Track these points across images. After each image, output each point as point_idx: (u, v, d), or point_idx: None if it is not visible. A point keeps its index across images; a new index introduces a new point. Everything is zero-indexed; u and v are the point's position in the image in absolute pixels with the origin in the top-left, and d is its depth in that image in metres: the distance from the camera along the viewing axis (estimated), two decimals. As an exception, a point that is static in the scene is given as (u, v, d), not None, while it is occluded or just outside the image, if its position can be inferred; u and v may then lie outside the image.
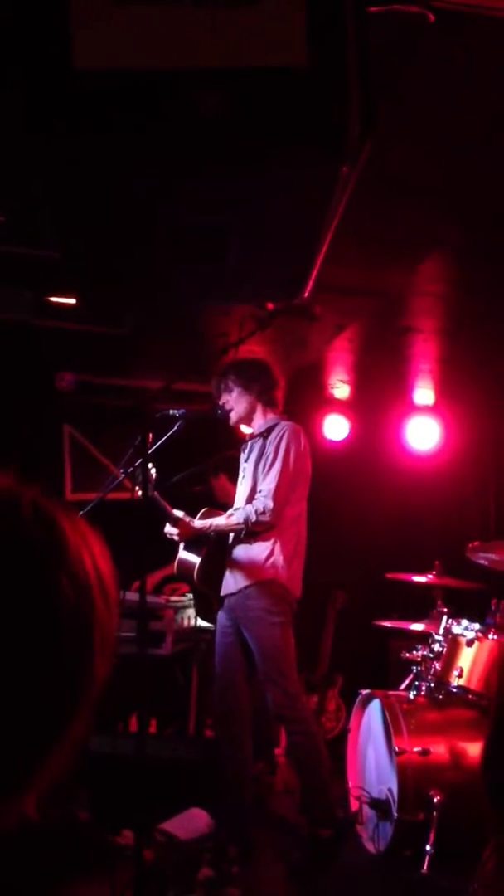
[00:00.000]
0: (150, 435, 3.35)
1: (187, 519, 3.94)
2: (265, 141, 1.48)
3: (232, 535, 3.97)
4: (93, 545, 0.73)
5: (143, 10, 1.47)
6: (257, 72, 1.46)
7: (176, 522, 3.91)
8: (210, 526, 3.94)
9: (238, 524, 3.82)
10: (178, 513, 3.93)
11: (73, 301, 3.48)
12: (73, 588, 0.69)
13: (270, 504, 3.73)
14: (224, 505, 4.35)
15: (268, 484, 3.78)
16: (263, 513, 3.74)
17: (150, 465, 3.75)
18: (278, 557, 3.80)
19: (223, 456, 4.91)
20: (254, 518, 3.75)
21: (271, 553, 3.81)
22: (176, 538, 3.94)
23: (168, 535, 3.95)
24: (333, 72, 1.47)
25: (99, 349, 4.85)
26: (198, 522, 3.94)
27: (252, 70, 1.46)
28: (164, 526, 4.00)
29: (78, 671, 0.70)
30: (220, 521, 3.94)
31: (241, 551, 3.88)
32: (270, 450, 3.85)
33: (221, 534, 4.02)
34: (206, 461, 4.99)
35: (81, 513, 3.62)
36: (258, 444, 3.95)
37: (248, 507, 3.81)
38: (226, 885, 3.16)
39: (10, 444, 5.06)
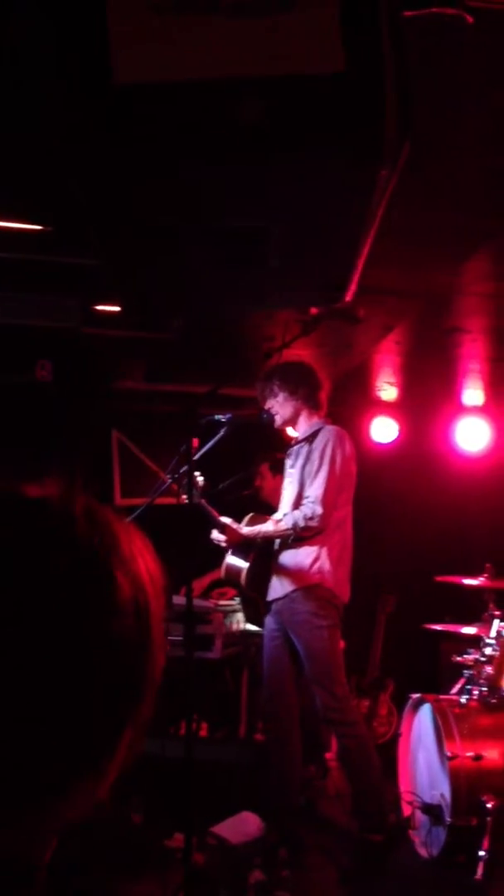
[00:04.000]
0: (196, 440, 3.38)
1: (235, 525, 3.95)
2: (303, 147, 1.49)
3: (278, 540, 3.98)
4: (143, 547, 0.78)
5: (180, 22, 1.48)
6: (294, 79, 1.47)
7: (223, 529, 3.93)
8: (258, 533, 3.96)
9: (287, 530, 3.83)
10: (226, 519, 3.95)
11: (117, 308, 3.54)
12: (130, 582, 0.74)
13: (319, 510, 3.73)
14: (269, 506, 4.36)
15: (315, 490, 3.78)
16: (312, 518, 3.74)
17: (196, 472, 3.77)
18: (324, 562, 3.80)
19: (272, 457, 4.92)
20: (302, 523, 3.75)
21: (317, 558, 3.80)
22: (223, 545, 3.97)
23: (215, 542, 3.97)
24: (370, 77, 1.47)
25: (147, 355, 4.90)
26: (245, 529, 3.96)
27: (289, 77, 1.47)
28: (211, 530, 4.03)
29: (142, 657, 0.75)
30: (267, 527, 3.95)
31: (288, 556, 3.88)
32: (316, 455, 3.85)
33: (269, 540, 4.03)
34: (253, 465, 5.00)
35: (130, 518, 3.68)
36: (304, 449, 3.95)
37: (297, 512, 3.81)
38: (276, 889, 3.16)
39: (60, 450, 5.14)
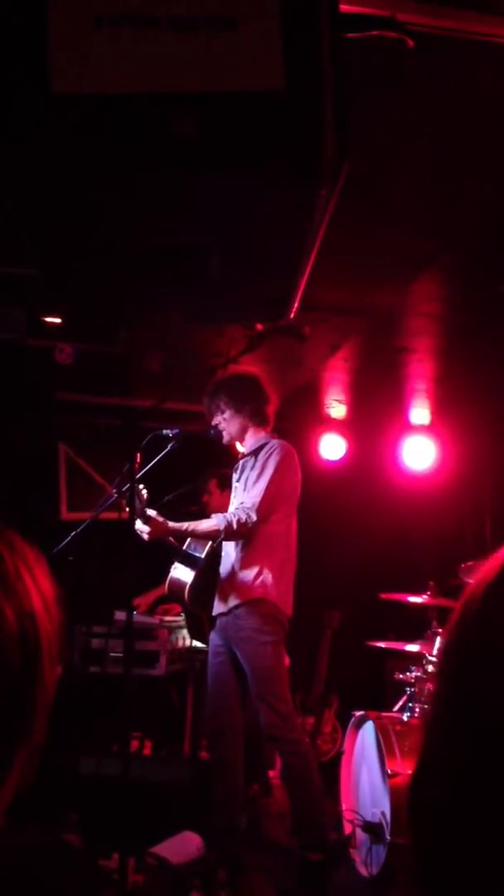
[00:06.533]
0: (139, 454, 3.34)
1: (160, 518, 3.88)
2: (242, 164, 1.49)
3: (222, 555, 3.95)
4: (34, 567, 0.76)
5: (122, 34, 1.48)
6: (234, 95, 1.47)
7: (147, 520, 3.81)
8: (185, 527, 3.89)
9: (215, 529, 3.77)
10: (151, 511, 3.87)
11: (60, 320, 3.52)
12: (16, 612, 0.72)
13: (254, 517, 3.70)
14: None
15: (252, 497, 3.76)
16: (245, 524, 3.70)
17: (141, 486, 3.73)
18: (267, 576, 3.78)
19: (219, 473, 4.90)
20: (234, 526, 3.71)
21: (260, 572, 3.78)
22: (146, 536, 3.85)
23: (138, 533, 3.83)
24: (309, 96, 1.47)
25: (93, 367, 4.86)
26: (172, 523, 3.88)
27: (229, 93, 1.47)
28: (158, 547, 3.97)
29: (28, 685, 0.74)
30: (195, 523, 3.90)
31: (231, 571, 3.86)
32: (258, 465, 3.84)
33: (196, 537, 4.01)
34: (199, 480, 4.98)
35: (74, 532, 3.61)
36: (249, 463, 3.94)
37: (229, 514, 3.78)
38: (215, 910, 3.12)
39: (6, 463, 5.06)
